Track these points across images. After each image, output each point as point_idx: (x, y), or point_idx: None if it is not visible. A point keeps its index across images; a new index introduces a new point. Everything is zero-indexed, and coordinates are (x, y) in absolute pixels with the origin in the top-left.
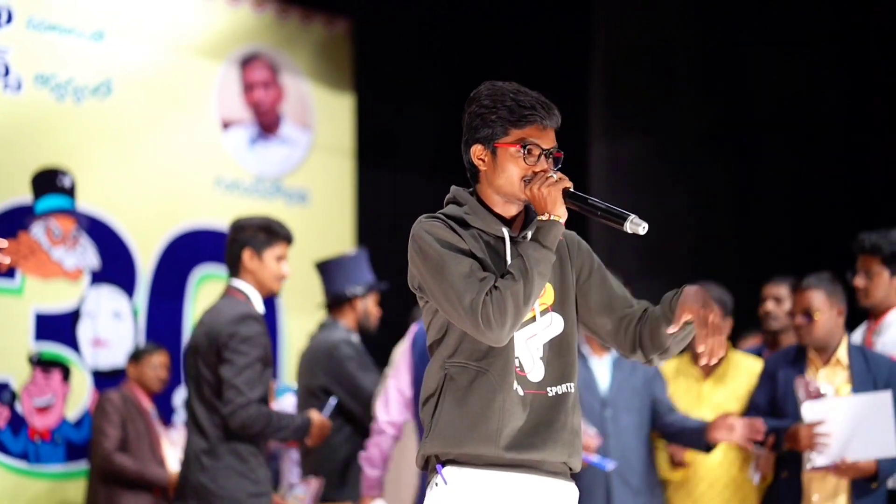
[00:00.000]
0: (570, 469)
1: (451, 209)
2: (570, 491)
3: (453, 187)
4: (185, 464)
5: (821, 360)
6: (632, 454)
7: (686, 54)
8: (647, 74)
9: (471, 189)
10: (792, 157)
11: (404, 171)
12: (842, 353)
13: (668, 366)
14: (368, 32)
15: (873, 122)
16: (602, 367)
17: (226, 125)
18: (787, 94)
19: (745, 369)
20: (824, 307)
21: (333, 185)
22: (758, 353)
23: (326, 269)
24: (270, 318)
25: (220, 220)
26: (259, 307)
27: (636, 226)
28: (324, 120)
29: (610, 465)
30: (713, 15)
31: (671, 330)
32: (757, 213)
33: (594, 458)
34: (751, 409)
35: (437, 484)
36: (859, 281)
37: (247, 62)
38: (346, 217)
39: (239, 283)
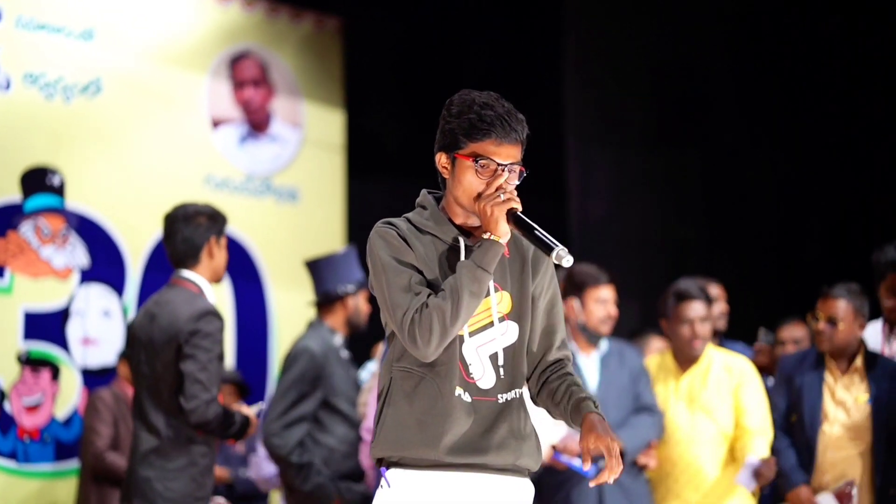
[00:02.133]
0: (524, 469)
1: (414, 213)
2: (520, 486)
3: (423, 191)
4: (132, 462)
5: (839, 369)
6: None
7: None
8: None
9: (440, 194)
10: (758, 156)
11: (394, 169)
12: (860, 362)
13: (651, 361)
14: (358, 31)
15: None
16: (590, 364)
17: (216, 123)
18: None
19: (724, 366)
20: (848, 317)
21: (323, 183)
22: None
23: (316, 268)
24: (261, 316)
25: None
26: (211, 298)
27: (561, 257)
28: (314, 118)
29: (592, 471)
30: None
31: (581, 453)
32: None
33: (577, 462)
34: (772, 409)
35: (381, 486)
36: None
37: (236, 61)
38: (336, 215)
39: (190, 275)
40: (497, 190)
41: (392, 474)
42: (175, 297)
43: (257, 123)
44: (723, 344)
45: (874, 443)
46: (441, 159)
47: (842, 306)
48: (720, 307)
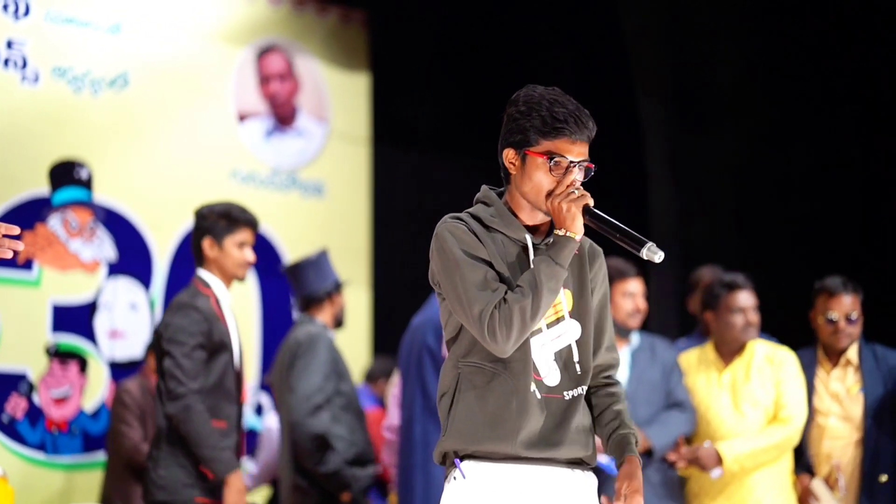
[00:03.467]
0: (590, 462)
1: (478, 209)
2: (588, 480)
3: (484, 186)
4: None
5: (830, 363)
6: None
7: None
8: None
9: (501, 189)
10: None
11: (420, 164)
12: (852, 354)
13: (689, 355)
14: (383, 24)
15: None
16: (621, 359)
17: (242, 117)
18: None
19: (767, 357)
20: (860, 310)
21: (349, 178)
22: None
23: (297, 272)
24: (286, 310)
25: None
26: (222, 296)
27: (652, 253)
28: (339, 112)
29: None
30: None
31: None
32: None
33: (604, 460)
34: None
35: (455, 478)
36: None
37: (263, 54)
38: (361, 209)
39: (202, 273)
40: (569, 187)
41: (467, 466)
42: (180, 295)
43: (283, 117)
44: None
45: (866, 430)
46: (509, 155)
47: (856, 301)
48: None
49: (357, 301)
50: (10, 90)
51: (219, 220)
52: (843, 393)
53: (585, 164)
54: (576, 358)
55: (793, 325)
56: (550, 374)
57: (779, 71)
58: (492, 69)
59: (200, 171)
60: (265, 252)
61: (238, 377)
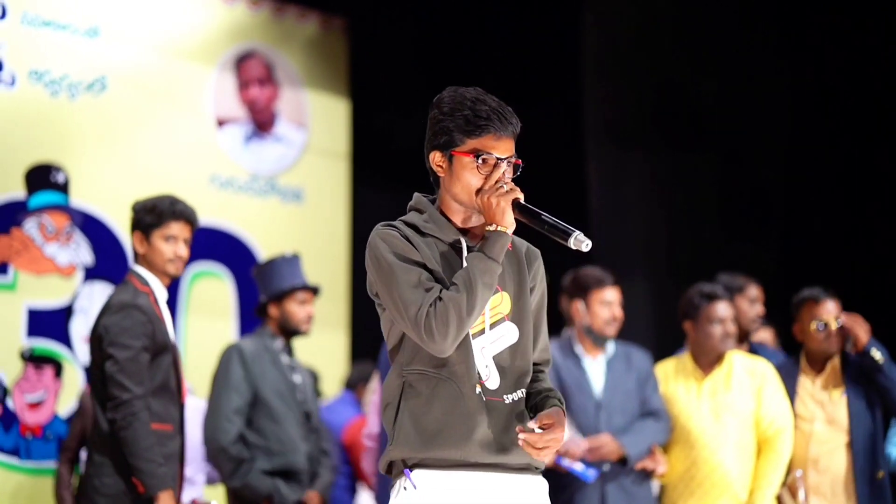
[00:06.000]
0: (538, 466)
1: (410, 216)
2: (538, 484)
3: (416, 194)
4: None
5: (814, 371)
6: None
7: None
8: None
9: (433, 196)
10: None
11: (399, 171)
12: (837, 362)
13: (666, 365)
14: (364, 31)
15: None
16: (596, 367)
17: (221, 123)
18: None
19: (746, 369)
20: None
21: (328, 184)
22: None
23: (260, 274)
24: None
25: (214, 217)
26: (159, 293)
27: (580, 242)
28: (319, 118)
29: (593, 476)
30: None
31: (531, 425)
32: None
33: (578, 466)
34: None
35: (404, 488)
36: None
37: (242, 60)
38: (340, 215)
39: (138, 269)
40: (497, 182)
41: (416, 475)
42: (114, 292)
43: (262, 123)
44: (753, 348)
45: (852, 431)
46: (435, 158)
47: (839, 306)
48: (757, 309)
49: (335, 307)
50: None
51: (146, 215)
52: (828, 399)
53: (513, 160)
54: (511, 362)
55: (782, 338)
56: (491, 378)
57: (758, 87)
58: (474, 77)
59: (179, 175)
60: (243, 257)
61: (179, 377)
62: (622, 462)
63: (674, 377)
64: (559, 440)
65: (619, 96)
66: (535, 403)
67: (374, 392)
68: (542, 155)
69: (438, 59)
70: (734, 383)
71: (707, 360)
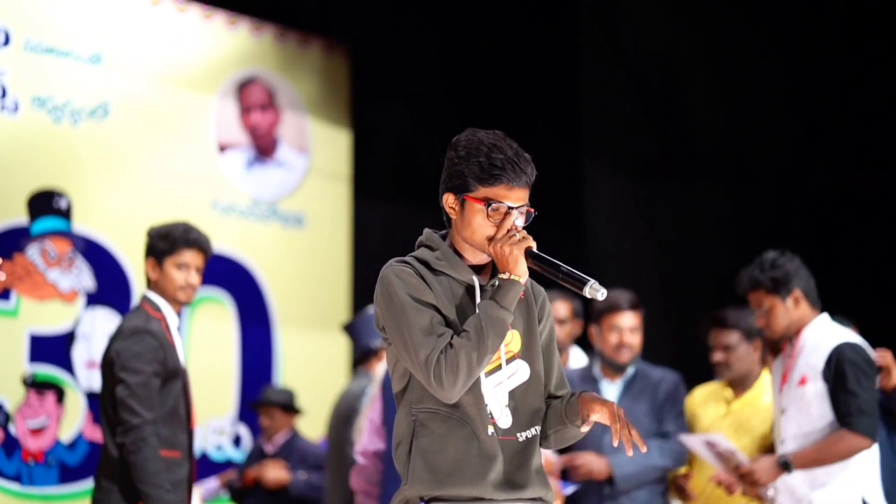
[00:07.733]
0: (549, 501)
1: (422, 253)
2: None
3: (426, 230)
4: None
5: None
6: None
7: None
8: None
9: (444, 232)
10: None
11: (400, 196)
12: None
13: (698, 393)
14: (366, 57)
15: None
16: (611, 391)
17: (223, 148)
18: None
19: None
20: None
21: (330, 209)
22: None
23: (352, 328)
24: (266, 341)
25: (216, 242)
26: (171, 319)
27: (595, 291)
28: (320, 144)
29: (569, 490)
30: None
31: (584, 429)
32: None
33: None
34: None
35: None
36: (760, 320)
37: (244, 85)
38: (342, 240)
39: (151, 295)
40: (509, 231)
41: None
42: (127, 317)
43: (264, 148)
44: None
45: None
46: (448, 200)
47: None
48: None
49: (337, 331)
50: None
51: (160, 241)
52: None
53: (525, 208)
54: (522, 400)
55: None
56: (503, 417)
57: (759, 115)
58: (474, 106)
59: (181, 201)
60: (245, 282)
61: (188, 404)
62: (609, 482)
63: (703, 404)
64: (612, 407)
65: (616, 122)
66: (563, 409)
67: (372, 409)
68: (539, 180)
69: (440, 86)
70: (762, 406)
71: (739, 385)
